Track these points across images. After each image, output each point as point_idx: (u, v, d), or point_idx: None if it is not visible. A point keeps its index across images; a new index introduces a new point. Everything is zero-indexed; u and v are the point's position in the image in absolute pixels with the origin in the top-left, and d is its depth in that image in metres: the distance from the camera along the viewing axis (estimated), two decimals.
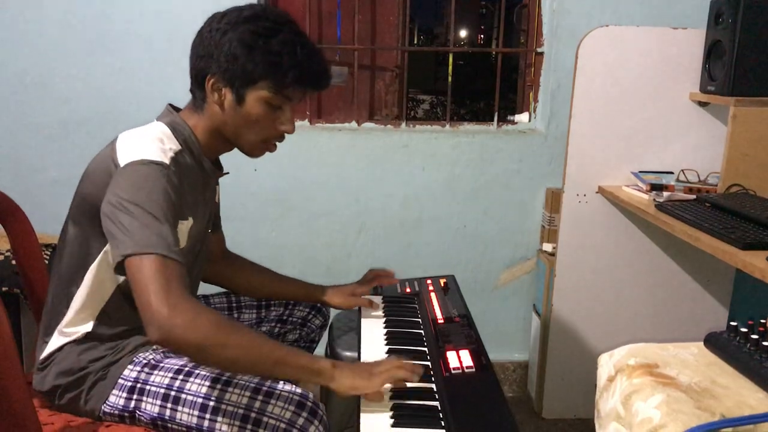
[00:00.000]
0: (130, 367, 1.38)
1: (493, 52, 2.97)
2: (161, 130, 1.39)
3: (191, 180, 1.41)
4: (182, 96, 1.50)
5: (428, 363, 1.41)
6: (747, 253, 1.55)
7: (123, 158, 1.29)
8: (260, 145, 1.45)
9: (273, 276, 1.80)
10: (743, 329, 1.03)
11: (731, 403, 0.88)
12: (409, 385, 1.31)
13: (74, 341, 1.40)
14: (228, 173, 1.58)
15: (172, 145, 1.37)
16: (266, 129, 1.42)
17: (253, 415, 1.28)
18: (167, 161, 1.30)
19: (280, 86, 1.37)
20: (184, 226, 1.39)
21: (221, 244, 1.78)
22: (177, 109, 1.46)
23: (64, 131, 2.62)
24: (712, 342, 1.04)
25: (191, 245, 1.44)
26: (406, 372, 1.30)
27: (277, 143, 1.48)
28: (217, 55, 1.34)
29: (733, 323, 1.05)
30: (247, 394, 1.30)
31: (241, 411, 1.29)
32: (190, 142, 1.41)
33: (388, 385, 1.30)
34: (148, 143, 1.32)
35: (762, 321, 1.05)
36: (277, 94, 1.37)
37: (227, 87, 1.37)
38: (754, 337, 0.99)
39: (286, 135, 1.46)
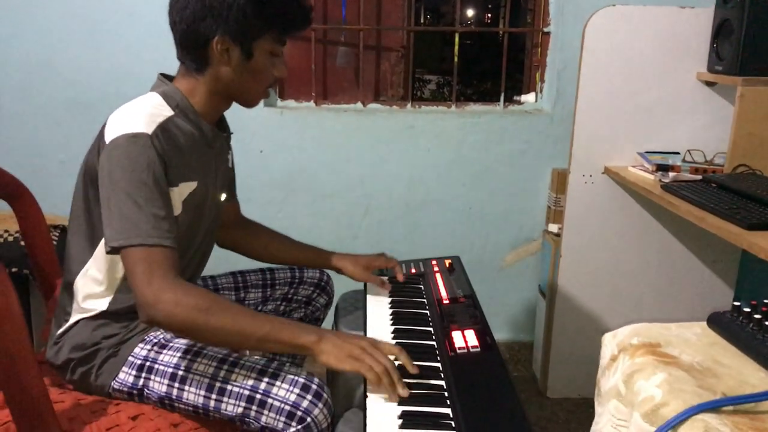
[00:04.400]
0: (140, 345, 1.40)
1: (500, 32, 2.96)
2: (152, 99, 1.40)
3: (191, 144, 1.42)
4: None
5: (434, 343, 1.43)
6: (752, 233, 1.55)
7: (109, 134, 1.31)
8: (261, 95, 1.50)
9: (289, 242, 1.81)
10: (746, 309, 1.03)
11: (732, 382, 0.89)
12: (415, 363, 1.30)
13: (89, 317, 1.43)
14: (233, 133, 1.60)
15: (164, 111, 1.38)
16: (267, 78, 1.46)
17: (258, 396, 1.30)
18: (151, 130, 1.32)
19: (284, 34, 1.43)
20: (183, 190, 1.40)
21: (236, 210, 1.81)
22: (170, 78, 1.47)
23: (71, 113, 2.63)
24: (715, 322, 1.05)
25: (194, 210, 1.45)
26: (375, 380, 1.22)
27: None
28: (225, 16, 1.35)
29: (736, 303, 1.05)
30: (253, 375, 1.32)
31: (246, 392, 1.30)
32: (183, 106, 1.42)
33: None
34: (134, 114, 1.34)
35: (765, 301, 1.05)
36: (278, 42, 1.43)
37: (235, 46, 1.38)
38: (757, 317, 1.00)
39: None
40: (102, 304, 1.42)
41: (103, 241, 1.37)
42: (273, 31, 1.40)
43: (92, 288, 1.42)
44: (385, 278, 1.78)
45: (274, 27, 1.40)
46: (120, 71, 2.58)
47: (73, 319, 1.44)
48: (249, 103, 1.50)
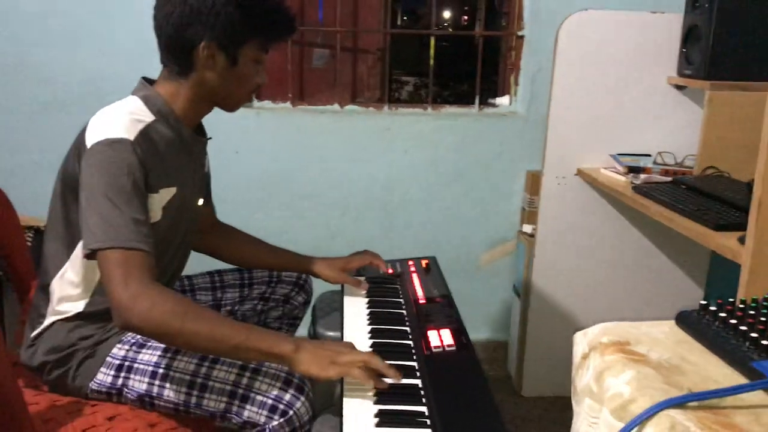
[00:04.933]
0: (118, 345, 1.41)
1: (476, 36, 2.99)
2: (133, 103, 1.40)
3: (171, 149, 1.43)
4: None
5: (410, 342, 1.44)
6: (719, 234, 1.59)
7: (90, 138, 1.31)
8: (243, 100, 1.53)
9: (264, 246, 1.82)
10: (713, 308, 1.06)
11: (698, 379, 0.91)
12: (392, 362, 1.31)
13: (64, 319, 1.42)
14: (211, 138, 1.60)
15: (144, 117, 1.38)
16: (250, 84, 1.48)
17: (240, 391, 1.31)
18: (133, 136, 1.32)
19: (269, 42, 1.45)
20: (163, 196, 1.40)
21: (212, 215, 1.81)
22: (151, 82, 1.47)
23: (46, 113, 2.60)
24: (683, 320, 1.07)
25: (173, 215, 1.45)
26: (364, 376, 1.22)
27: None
28: (213, 21, 1.36)
29: (703, 302, 1.08)
30: (235, 371, 1.33)
31: (228, 387, 1.31)
32: (164, 112, 1.42)
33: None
34: (116, 119, 1.34)
35: (731, 300, 1.08)
36: (263, 49, 1.45)
37: (221, 51, 1.39)
38: (723, 315, 1.03)
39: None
40: (78, 307, 1.42)
41: (80, 244, 1.37)
42: (258, 39, 1.42)
43: (69, 291, 1.41)
44: (362, 278, 1.79)
45: (260, 35, 1.42)
46: (97, 72, 2.56)
47: (48, 321, 1.43)
48: (231, 107, 1.52)
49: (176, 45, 1.39)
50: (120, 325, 1.24)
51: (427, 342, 1.42)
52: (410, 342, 1.45)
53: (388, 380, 1.24)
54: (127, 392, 1.38)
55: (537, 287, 2.53)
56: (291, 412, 1.29)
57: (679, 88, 2.33)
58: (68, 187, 1.38)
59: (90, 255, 1.26)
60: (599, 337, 1.04)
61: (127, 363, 1.38)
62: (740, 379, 0.90)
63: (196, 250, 1.75)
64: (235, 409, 1.31)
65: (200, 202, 1.63)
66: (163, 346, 1.39)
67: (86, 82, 2.57)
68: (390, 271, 1.86)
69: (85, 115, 1.38)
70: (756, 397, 0.86)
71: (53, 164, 1.45)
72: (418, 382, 1.29)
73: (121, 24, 2.53)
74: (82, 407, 1.37)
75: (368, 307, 1.64)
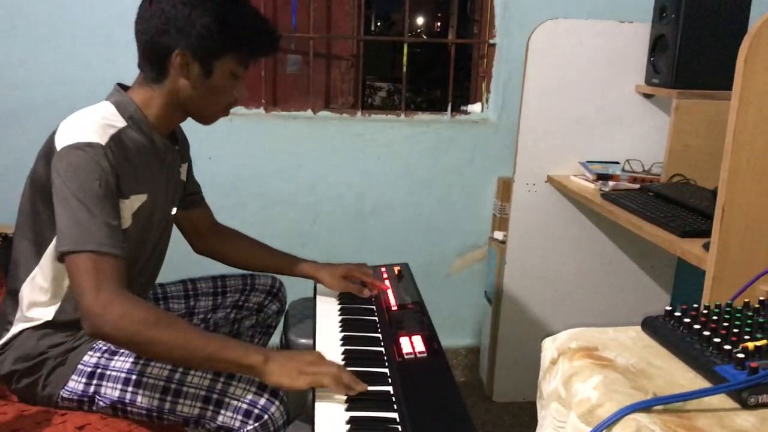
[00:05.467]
0: (90, 353, 1.39)
1: (448, 43, 3.01)
2: (105, 108, 1.40)
3: (142, 156, 1.42)
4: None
5: (381, 349, 1.45)
6: (685, 240, 1.62)
7: (60, 142, 1.31)
8: (219, 114, 1.51)
9: (264, 248, 1.82)
10: (677, 314, 1.08)
11: (663, 383, 0.93)
12: (363, 369, 1.33)
13: (34, 327, 1.41)
14: (178, 148, 1.59)
15: (116, 122, 1.37)
16: (226, 98, 1.47)
17: (215, 396, 1.30)
18: (104, 141, 1.32)
19: (248, 57, 1.44)
20: (133, 202, 1.39)
21: (209, 217, 1.81)
22: (126, 88, 1.47)
23: (15, 118, 2.56)
24: (649, 326, 1.10)
25: (144, 223, 1.45)
26: (334, 383, 1.24)
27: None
28: (188, 30, 1.35)
29: (668, 308, 1.11)
30: (209, 376, 1.33)
31: (202, 393, 1.31)
32: (136, 118, 1.41)
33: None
34: (87, 123, 1.33)
35: (695, 306, 1.11)
36: (241, 64, 1.44)
37: (195, 61, 1.39)
38: (687, 320, 1.05)
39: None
40: (47, 314, 1.40)
41: (50, 248, 1.37)
42: (237, 53, 1.41)
43: (38, 296, 1.40)
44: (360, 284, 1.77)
45: (239, 49, 1.41)
46: (65, 76, 2.53)
47: (16, 329, 1.41)
48: (205, 120, 1.51)
49: (152, 50, 1.40)
50: (90, 333, 1.24)
51: (399, 348, 1.43)
52: (382, 349, 1.45)
53: (358, 384, 1.27)
54: (99, 400, 1.36)
55: (508, 293, 2.55)
56: (266, 417, 1.29)
57: (646, 96, 2.37)
58: (38, 190, 1.37)
59: (61, 257, 1.25)
60: (568, 342, 1.05)
61: (99, 370, 1.37)
62: (704, 383, 0.92)
63: (197, 252, 1.78)
64: (209, 414, 1.31)
65: (174, 211, 1.62)
66: None
67: (56, 87, 2.54)
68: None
69: (54, 121, 1.37)
70: (718, 400, 0.89)
71: (22, 170, 1.43)
72: (389, 388, 1.29)
73: (90, 30, 2.51)
74: (51, 417, 1.35)
75: (340, 314, 1.64)
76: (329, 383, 1.23)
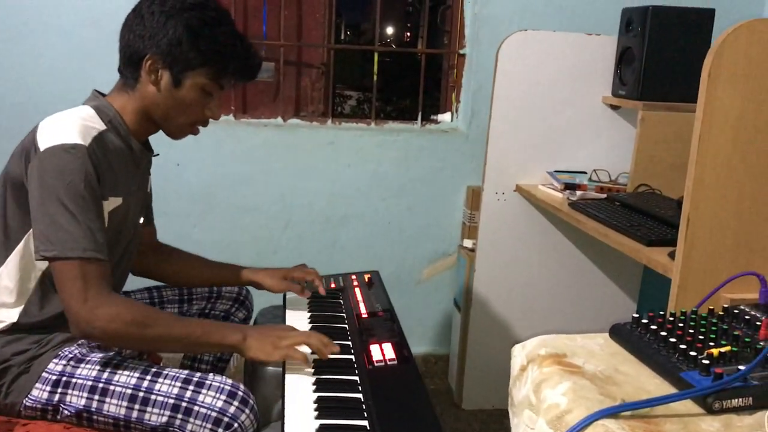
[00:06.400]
0: (55, 360, 1.36)
1: (418, 53, 3.03)
2: (85, 111, 1.40)
3: (120, 160, 1.43)
4: (106, 85, 1.51)
5: (352, 357, 1.45)
6: (651, 249, 1.64)
7: (43, 142, 1.31)
8: (186, 128, 1.51)
9: (203, 262, 1.80)
10: (644, 321, 1.10)
11: (631, 389, 0.95)
12: (333, 377, 1.33)
13: None
14: (158, 154, 1.60)
15: (97, 125, 1.38)
16: (195, 113, 1.47)
17: (183, 404, 1.29)
18: (87, 142, 1.32)
19: (219, 75, 1.44)
20: (110, 204, 1.40)
21: (153, 236, 1.78)
22: (103, 95, 1.48)
23: None
24: (616, 333, 1.11)
25: (116, 226, 1.44)
26: (304, 358, 1.36)
27: (200, 128, 1.54)
28: (160, 37, 1.38)
29: (635, 315, 1.12)
30: (178, 384, 1.31)
31: (171, 401, 1.29)
32: (115, 122, 1.43)
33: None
34: (70, 125, 1.34)
35: (661, 313, 1.13)
36: (213, 81, 1.44)
37: (165, 69, 1.40)
38: (654, 327, 1.07)
39: (210, 121, 1.53)
40: (12, 315, 1.38)
41: (18, 248, 1.36)
42: (209, 68, 1.42)
43: (3, 297, 1.38)
44: (303, 284, 1.78)
45: (210, 64, 1.42)
46: (33, 79, 2.49)
47: None
48: (172, 133, 1.51)
49: (127, 54, 1.42)
50: (80, 337, 1.30)
51: (369, 356, 1.43)
52: (352, 356, 1.45)
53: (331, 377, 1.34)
54: (63, 408, 1.34)
55: (477, 301, 2.56)
56: (235, 425, 1.27)
57: (613, 107, 2.41)
58: (10, 190, 1.37)
59: (43, 259, 1.28)
60: (537, 349, 1.06)
61: (64, 378, 1.34)
62: (670, 389, 0.94)
63: (136, 274, 1.72)
64: (177, 422, 1.29)
65: (141, 220, 1.61)
66: (102, 360, 1.36)
67: (23, 90, 2.50)
68: (332, 285, 1.86)
69: (22, 123, 1.37)
70: (684, 406, 0.90)
71: None
72: (360, 396, 1.29)
73: (59, 31, 2.47)
74: (12, 427, 1.32)
75: (310, 322, 1.64)
76: (300, 357, 1.35)
